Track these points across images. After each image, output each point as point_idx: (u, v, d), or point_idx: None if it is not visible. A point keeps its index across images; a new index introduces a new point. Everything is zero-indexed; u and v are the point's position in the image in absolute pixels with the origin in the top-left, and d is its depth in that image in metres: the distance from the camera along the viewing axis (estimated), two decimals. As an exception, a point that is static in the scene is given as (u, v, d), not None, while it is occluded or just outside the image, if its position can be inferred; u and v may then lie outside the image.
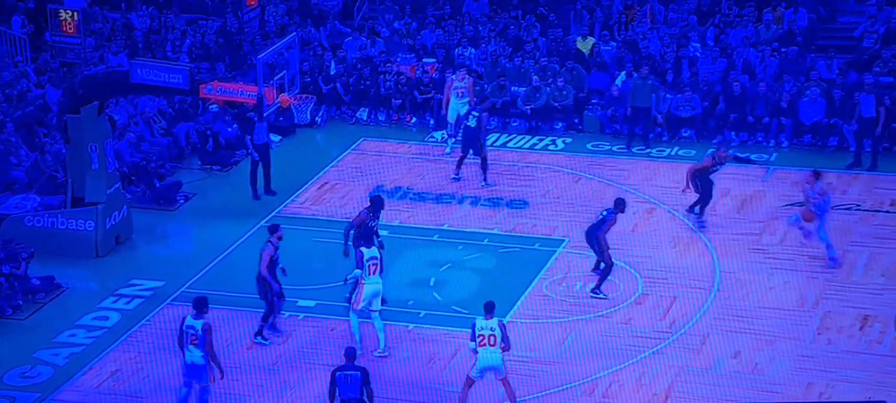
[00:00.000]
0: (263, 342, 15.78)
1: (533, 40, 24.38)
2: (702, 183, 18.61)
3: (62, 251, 17.85)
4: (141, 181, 20.08)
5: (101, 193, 18.18)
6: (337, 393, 13.35)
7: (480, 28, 24.94)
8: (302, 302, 16.81)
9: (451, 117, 21.74)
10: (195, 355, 13.81)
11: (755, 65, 23.08)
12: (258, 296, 15.81)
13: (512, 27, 24.91)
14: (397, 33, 25.10)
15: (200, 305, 13.96)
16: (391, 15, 25.63)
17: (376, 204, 16.60)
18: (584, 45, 24.07)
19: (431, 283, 17.38)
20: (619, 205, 16.92)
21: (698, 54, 23.49)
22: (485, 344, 13.96)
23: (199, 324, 13.83)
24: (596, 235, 16.76)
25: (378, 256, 15.54)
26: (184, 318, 14.04)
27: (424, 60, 24.11)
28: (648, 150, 21.98)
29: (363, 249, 15.56)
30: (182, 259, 18.15)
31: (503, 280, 17.41)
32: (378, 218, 16.57)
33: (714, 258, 17.90)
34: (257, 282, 15.71)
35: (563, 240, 18.39)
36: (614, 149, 22.18)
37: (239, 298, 16.49)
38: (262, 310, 15.84)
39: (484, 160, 20.27)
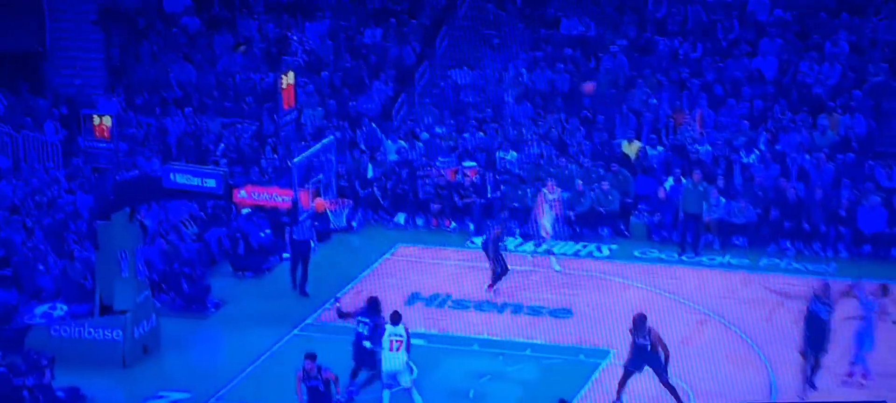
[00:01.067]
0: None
1: (577, 144, 24.36)
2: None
3: (88, 361, 17.80)
4: (170, 287, 20.08)
5: (130, 301, 18.19)
6: None
7: (523, 131, 24.98)
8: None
9: (548, 228, 21.32)
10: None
11: (811, 171, 22.84)
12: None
13: (555, 130, 24.93)
14: (437, 136, 25.20)
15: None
16: (430, 118, 25.79)
17: (372, 304, 16.88)
18: (631, 148, 24.01)
19: (470, 395, 17.12)
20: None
21: (751, 160, 23.31)
22: None
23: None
24: None
25: (403, 335, 15.80)
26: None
27: (464, 164, 24.14)
28: (699, 258, 21.70)
29: (388, 326, 16.08)
30: (211, 369, 18.02)
31: (546, 392, 17.05)
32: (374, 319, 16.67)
33: (770, 374, 17.47)
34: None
35: (609, 352, 18.08)
36: (663, 256, 21.94)
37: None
38: None
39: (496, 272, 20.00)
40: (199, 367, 18.07)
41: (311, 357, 15.85)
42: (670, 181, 22.80)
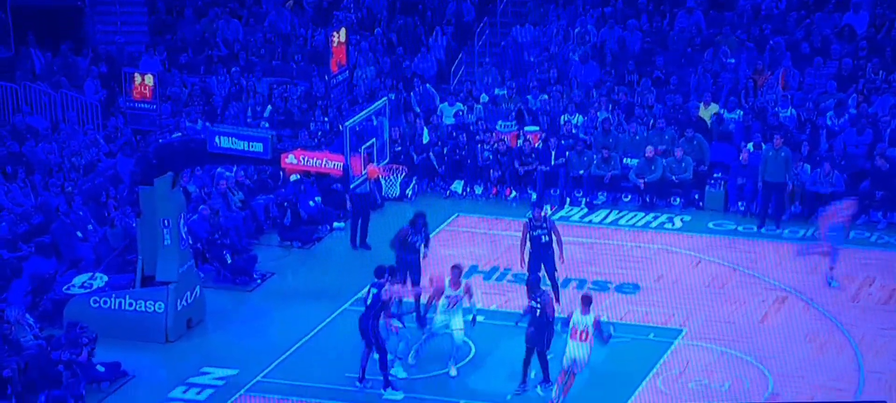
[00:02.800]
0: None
1: (648, 107, 24.08)
2: None
3: (130, 335, 17.94)
4: (214, 258, 20.20)
5: (173, 272, 18.29)
6: None
7: (590, 93, 24.75)
8: (386, 396, 16.62)
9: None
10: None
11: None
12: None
13: (624, 92, 24.66)
14: (497, 98, 25.06)
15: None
16: (490, 78, 25.60)
17: (418, 219, 18.23)
18: (706, 112, 23.69)
19: (532, 376, 17.04)
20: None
21: (838, 124, 22.89)
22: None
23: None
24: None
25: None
26: None
27: (526, 128, 23.98)
28: (780, 231, 21.40)
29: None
30: (258, 344, 18.11)
31: (613, 372, 17.02)
32: (420, 233, 18.10)
33: (857, 355, 17.23)
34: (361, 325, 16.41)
35: (681, 330, 17.94)
36: (740, 228, 21.68)
37: (321, 389, 16.33)
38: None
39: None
40: (246, 343, 18.15)
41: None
42: (750, 146, 22.47)
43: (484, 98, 25.09)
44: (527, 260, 18.31)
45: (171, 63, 26.02)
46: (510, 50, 26.12)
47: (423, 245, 18.41)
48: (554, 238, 18.15)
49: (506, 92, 25.19)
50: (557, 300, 17.71)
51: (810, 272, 19.68)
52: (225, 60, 26.18)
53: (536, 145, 23.49)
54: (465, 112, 24.55)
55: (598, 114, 24.06)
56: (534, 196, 23.07)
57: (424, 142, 24.04)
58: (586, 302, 15.86)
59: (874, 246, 20.34)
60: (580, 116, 24.09)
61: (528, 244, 18.32)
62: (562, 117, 24.15)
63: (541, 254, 18.09)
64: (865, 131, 22.63)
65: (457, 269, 17.11)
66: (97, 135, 23.61)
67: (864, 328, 17.96)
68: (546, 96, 24.79)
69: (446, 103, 24.63)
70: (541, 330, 16.26)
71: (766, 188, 21.56)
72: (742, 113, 23.59)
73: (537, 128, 23.99)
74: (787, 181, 21.51)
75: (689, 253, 20.56)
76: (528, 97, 24.85)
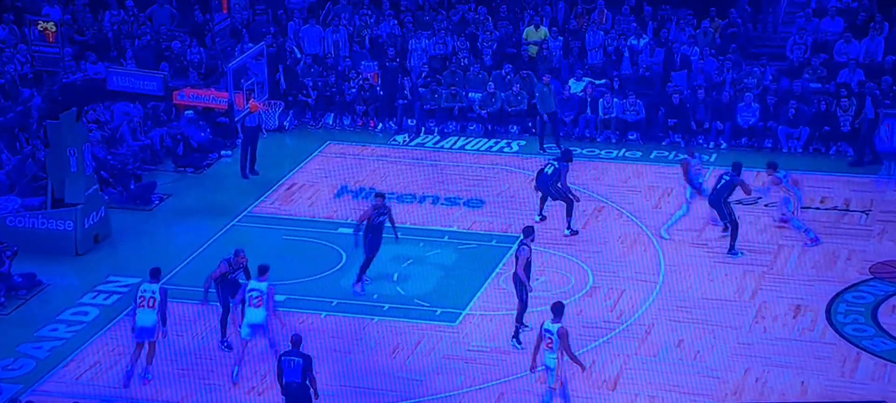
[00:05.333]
0: (517, 346, 15.21)
1: (488, 32, 24.11)
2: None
3: (43, 250, 17.66)
4: (118, 182, 19.89)
5: (80, 195, 18.00)
6: (284, 377, 13.36)
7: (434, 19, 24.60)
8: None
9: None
10: (259, 315, 14.15)
11: (693, 62, 23.11)
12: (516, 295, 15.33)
13: (470, 22, 24.56)
14: (356, 26, 24.81)
15: (263, 269, 14.51)
16: (348, 12, 25.31)
17: (380, 198, 16.64)
18: (536, 34, 23.95)
19: (395, 278, 17.37)
20: (528, 235, 15.42)
21: (639, 46, 23.41)
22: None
23: (264, 286, 14.29)
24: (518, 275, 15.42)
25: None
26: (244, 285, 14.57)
27: (363, 64, 23.78)
28: (593, 151, 21.85)
29: (249, 282, 14.83)
30: (158, 256, 17.91)
31: (462, 274, 17.44)
32: (384, 214, 16.51)
33: (659, 252, 18.04)
34: (514, 282, 15.34)
35: (518, 237, 18.36)
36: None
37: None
38: (514, 311, 15.43)
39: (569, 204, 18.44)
40: (147, 255, 17.94)
41: (382, 195, 16.61)
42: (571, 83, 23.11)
43: (344, 31, 24.57)
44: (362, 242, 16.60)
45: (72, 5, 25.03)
46: None
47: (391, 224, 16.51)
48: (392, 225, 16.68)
49: (360, 20, 24.83)
50: (359, 279, 16.66)
51: (621, 185, 20.40)
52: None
53: (375, 83, 23.41)
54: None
55: (448, 39, 24.00)
56: (393, 125, 23.26)
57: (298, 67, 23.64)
58: (557, 310, 13.64)
59: (672, 163, 21.12)
60: (426, 41, 24.04)
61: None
62: (411, 41, 24.01)
63: (379, 239, 16.48)
64: (658, 51, 23.20)
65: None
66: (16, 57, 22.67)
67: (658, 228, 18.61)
68: (397, 21, 24.60)
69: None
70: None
71: (540, 116, 22.00)
72: (562, 39, 23.82)
73: (374, 64, 23.75)
74: (556, 109, 22.05)
75: (525, 173, 21.04)
76: (383, 24, 24.57)
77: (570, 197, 18.42)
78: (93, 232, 18.26)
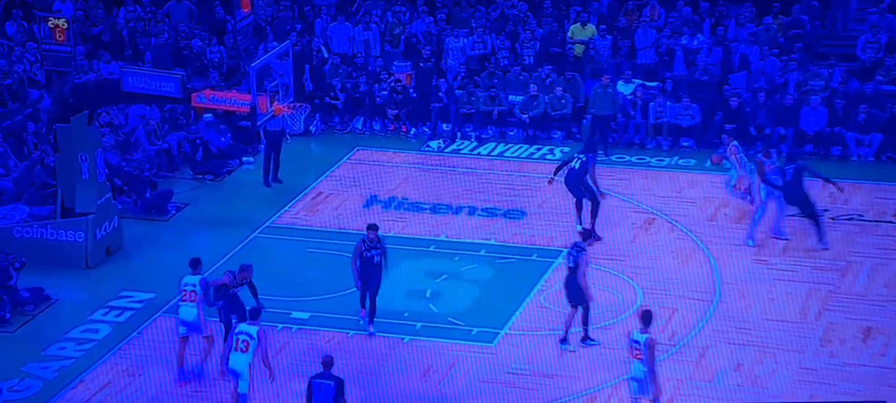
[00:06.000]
0: (593, 343, 15.80)
1: (530, 30, 24.18)
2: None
3: (52, 262, 17.87)
4: (133, 191, 20.13)
5: (92, 204, 18.22)
6: (313, 401, 13.45)
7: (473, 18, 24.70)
8: (296, 314, 16.84)
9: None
10: (242, 361, 14.02)
11: (753, 62, 23.04)
12: (570, 303, 15.68)
13: (511, 19, 24.59)
14: (389, 24, 24.98)
15: (255, 313, 14.34)
16: (380, 9, 25.46)
17: (372, 231, 16.12)
18: (583, 32, 23.98)
19: (427, 295, 17.41)
20: (587, 237, 16.20)
21: (694, 43, 23.37)
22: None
23: (254, 330, 14.08)
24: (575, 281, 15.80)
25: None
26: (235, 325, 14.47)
27: (396, 64, 23.94)
28: (610, 157, 21.76)
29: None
30: (174, 269, 17.95)
31: (500, 291, 17.45)
32: (376, 249, 16.00)
33: (715, 269, 17.96)
34: (568, 288, 15.69)
35: (561, 251, 18.35)
36: (613, 158, 22.25)
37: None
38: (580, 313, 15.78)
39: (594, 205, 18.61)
40: (162, 268, 18.13)
41: (374, 227, 16.05)
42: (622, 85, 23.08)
43: (375, 28, 24.73)
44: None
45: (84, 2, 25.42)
46: None
47: (382, 257, 16.15)
48: (383, 260, 16.19)
49: (393, 17, 24.97)
50: (371, 322, 16.32)
51: (674, 195, 20.34)
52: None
53: (408, 85, 23.53)
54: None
55: (485, 39, 24.11)
56: (427, 130, 23.35)
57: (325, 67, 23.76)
58: (646, 318, 13.86)
59: (729, 173, 20.98)
60: (463, 40, 24.12)
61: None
62: (448, 40, 24.10)
63: (370, 274, 16.08)
64: (714, 51, 23.15)
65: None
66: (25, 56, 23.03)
67: (719, 244, 18.62)
68: (432, 19, 24.69)
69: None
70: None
71: (595, 119, 22.13)
72: (611, 38, 23.85)
73: (407, 65, 23.91)
74: (614, 113, 22.19)
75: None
76: (417, 22, 24.70)
77: (599, 194, 18.43)
78: (104, 244, 18.48)
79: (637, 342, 13.71)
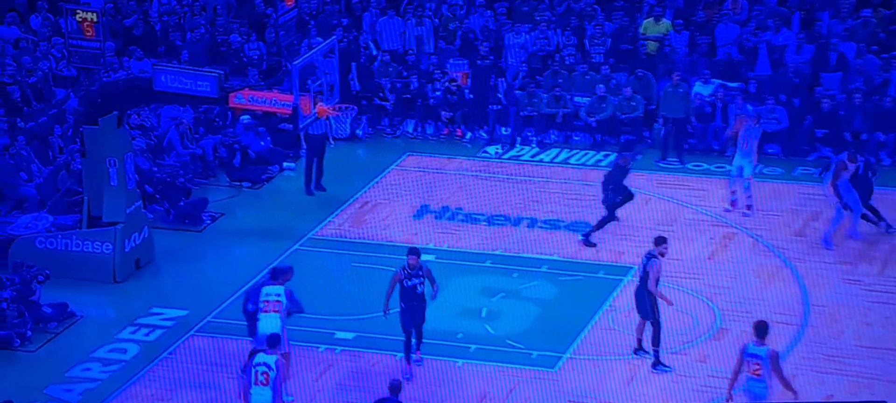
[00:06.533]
0: (665, 369, 15.60)
1: (598, 26, 23.94)
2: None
3: (77, 275, 17.91)
4: (165, 198, 20.14)
5: (120, 212, 18.23)
6: None
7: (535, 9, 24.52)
8: (339, 334, 16.71)
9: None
10: (265, 395, 13.78)
11: (851, 61, 22.58)
12: (641, 316, 15.64)
13: (574, 14, 24.42)
14: (443, 18, 24.84)
15: (274, 341, 14.12)
16: (434, 2, 25.34)
17: (413, 257, 15.67)
18: (657, 27, 23.68)
19: (483, 314, 17.25)
20: (660, 244, 15.88)
21: (780, 39, 23.00)
22: None
23: (273, 360, 13.85)
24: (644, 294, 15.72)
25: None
26: (252, 353, 14.18)
27: (450, 63, 23.78)
28: (685, 165, 21.57)
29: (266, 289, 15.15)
30: (208, 285, 18.14)
31: (563, 311, 17.24)
32: (419, 276, 15.58)
33: (802, 289, 17.59)
34: (638, 298, 15.57)
35: (631, 268, 18.08)
36: (689, 166, 21.89)
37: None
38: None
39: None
40: (195, 283, 18.16)
41: (415, 252, 15.59)
42: (699, 86, 22.69)
43: (428, 23, 24.64)
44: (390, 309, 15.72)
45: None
46: None
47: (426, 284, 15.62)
48: (430, 286, 15.69)
49: (448, 11, 24.86)
50: (415, 362, 15.87)
51: (757, 207, 19.94)
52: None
53: (464, 85, 23.39)
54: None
55: (549, 35, 23.90)
56: (484, 135, 23.17)
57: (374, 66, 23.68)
58: (761, 330, 13.82)
59: (819, 182, 20.58)
60: (525, 36, 23.92)
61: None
62: (508, 36, 23.92)
63: (414, 307, 15.55)
64: (804, 47, 22.75)
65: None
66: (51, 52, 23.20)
67: (808, 262, 18.27)
68: (491, 12, 24.54)
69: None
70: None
71: (666, 123, 21.86)
72: (688, 34, 23.54)
73: (464, 63, 23.79)
74: (688, 115, 21.87)
75: (639, 192, 20.70)
76: (474, 16, 24.56)
77: (620, 202, 18.44)
78: (134, 257, 18.49)
79: (756, 356, 13.52)
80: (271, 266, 18.36)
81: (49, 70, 22.83)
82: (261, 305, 15.13)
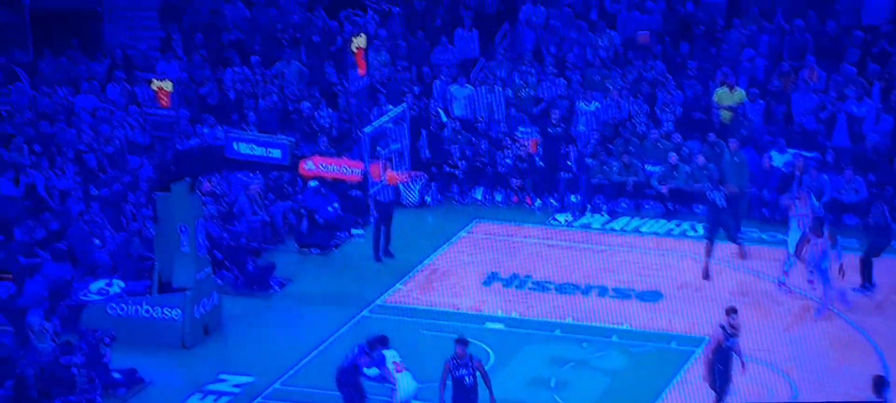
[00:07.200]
0: None
1: (669, 93, 23.97)
2: None
3: (146, 341, 18.17)
4: (234, 265, 20.42)
5: (190, 278, 18.52)
6: None
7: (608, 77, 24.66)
8: (409, 403, 16.76)
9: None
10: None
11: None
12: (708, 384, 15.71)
13: (647, 81, 24.51)
14: (515, 86, 25.02)
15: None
16: (505, 70, 25.54)
17: (461, 346, 15.52)
18: (731, 97, 23.60)
19: (552, 385, 17.18)
20: (731, 315, 15.83)
21: (860, 111, 22.82)
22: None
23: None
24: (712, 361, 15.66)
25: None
26: None
27: (519, 130, 23.93)
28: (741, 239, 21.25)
29: (385, 353, 15.50)
30: (275, 351, 18.29)
31: (634, 382, 17.13)
32: (466, 367, 15.34)
33: (884, 364, 17.28)
34: (709, 372, 15.66)
35: (704, 339, 17.87)
36: (764, 236, 21.70)
37: (339, 397, 16.51)
38: None
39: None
40: (263, 349, 18.32)
41: (463, 342, 15.38)
42: (774, 156, 22.56)
43: (501, 90, 24.88)
44: None
45: (187, 55, 26.14)
46: (524, 31, 26.08)
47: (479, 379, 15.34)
48: (481, 379, 15.42)
49: (520, 79, 25.00)
50: None
51: (836, 280, 19.69)
52: (238, 46, 26.19)
53: (534, 152, 23.50)
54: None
55: (620, 103, 24.01)
56: (554, 202, 23.24)
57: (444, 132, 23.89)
58: (879, 385, 14.21)
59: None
60: (596, 103, 24.04)
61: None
62: (579, 104, 24.09)
63: (461, 399, 15.28)
64: (883, 118, 22.54)
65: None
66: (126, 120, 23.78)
67: (888, 335, 17.99)
68: (563, 80, 24.65)
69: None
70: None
71: (729, 195, 21.26)
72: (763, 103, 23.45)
73: (534, 131, 23.92)
74: (744, 188, 21.55)
75: (713, 262, 20.60)
76: (545, 83, 24.69)
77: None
78: (202, 323, 18.75)
79: None
80: (338, 332, 18.68)
81: (124, 138, 23.38)
82: (389, 367, 15.37)
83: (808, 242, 18.59)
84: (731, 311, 15.79)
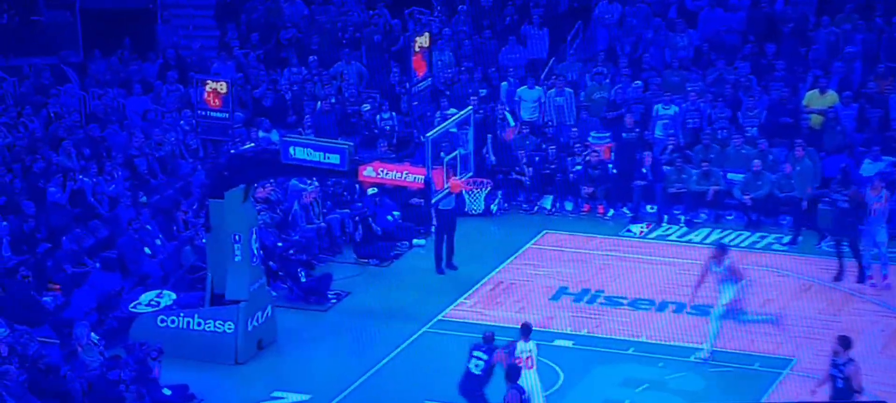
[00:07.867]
0: None
1: (754, 96, 23.52)
2: None
3: (198, 355, 18.08)
4: (288, 275, 20.28)
5: (244, 290, 18.39)
6: None
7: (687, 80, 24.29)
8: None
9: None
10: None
11: None
12: None
13: (729, 83, 24.05)
14: (586, 88, 24.66)
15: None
16: (576, 71, 25.21)
17: (525, 330, 16.10)
18: (822, 100, 23.12)
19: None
20: (848, 348, 15.44)
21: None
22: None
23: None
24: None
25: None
26: None
27: (592, 136, 23.63)
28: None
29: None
30: (332, 368, 18.16)
31: (716, 406, 16.77)
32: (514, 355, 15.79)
33: None
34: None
35: (790, 361, 17.65)
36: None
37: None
38: None
39: None
40: (319, 366, 18.18)
41: (489, 337, 16.06)
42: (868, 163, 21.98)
43: (567, 91, 24.51)
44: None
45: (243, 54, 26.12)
46: (597, 30, 25.78)
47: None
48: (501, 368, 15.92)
49: (592, 80, 24.70)
50: None
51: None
52: (296, 44, 26.07)
53: (605, 158, 23.19)
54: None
55: (701, 107, 23.61)
56: (628, 212, 22.86)
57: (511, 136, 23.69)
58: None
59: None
60: (675, 107, 23.64)
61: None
62: (656, 107, 23.73)
63: (467, 387, 15.91)
64: None
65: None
66: (179, 123, 23.77)
67: None
68: (639, 82, 24.33)
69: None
70: None
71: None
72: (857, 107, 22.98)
73: (607, 135, 23.63)
74: (803, 192, 21.27)
75: (800, 277, 20.12)
76: (622, 82, 24.43)
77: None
78: (256, 337, 18.61)
79: None
80: (398, 349, 18.44)
81: (176, 142, 23.36)
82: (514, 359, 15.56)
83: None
84: (847, 344, 15.40)
